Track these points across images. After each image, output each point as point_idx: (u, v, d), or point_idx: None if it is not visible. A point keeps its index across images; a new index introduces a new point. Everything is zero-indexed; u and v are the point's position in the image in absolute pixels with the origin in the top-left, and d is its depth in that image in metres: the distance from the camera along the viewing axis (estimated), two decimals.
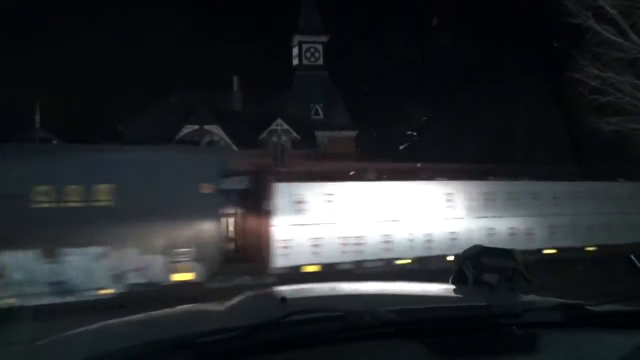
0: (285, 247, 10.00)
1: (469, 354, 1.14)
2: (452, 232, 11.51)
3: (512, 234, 11.96)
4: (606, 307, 1.34)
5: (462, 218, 11.69)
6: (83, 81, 26.50)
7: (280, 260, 9.90)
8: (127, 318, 1.51)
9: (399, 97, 27.49)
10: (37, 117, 20.76)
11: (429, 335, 1.15)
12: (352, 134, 29.22)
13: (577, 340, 1.23)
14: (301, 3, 31.58)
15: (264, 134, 27.22)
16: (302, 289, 1.87)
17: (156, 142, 23.74)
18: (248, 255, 10.71)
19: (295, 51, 31.77)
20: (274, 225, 9.97)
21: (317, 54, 31.41)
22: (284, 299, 1.38)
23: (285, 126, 27.36)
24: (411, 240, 11.16)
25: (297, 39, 31.44)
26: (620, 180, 13.76)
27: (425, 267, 10.76)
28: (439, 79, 25.13)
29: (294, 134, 27.45)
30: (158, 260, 8.91)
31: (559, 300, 1.48)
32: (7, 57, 22.38)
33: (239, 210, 11.20)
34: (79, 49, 29.10)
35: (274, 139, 27.34)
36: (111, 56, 28.39)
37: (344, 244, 10.51)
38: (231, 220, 11.23)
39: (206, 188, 9.34)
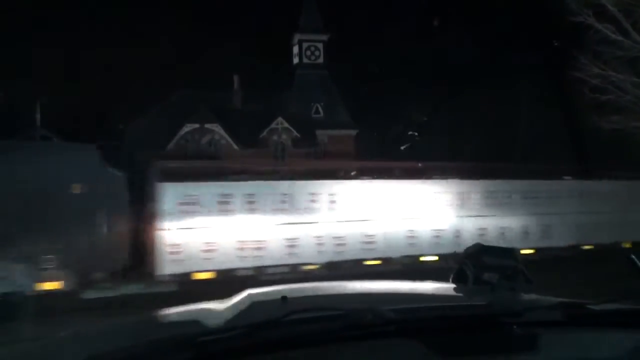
0: (173, 253, 9.12)
1: (469, 353, 1.14)
2: (368, 235, 10.56)
3: (436, 236, 11.10)
4: (607, 306, 1.34)
5: (379, 220, 10.69)
6: (84, 80, 26.50)
7: (168, 267, 9.04)
8: (128, 317, 1.52)
9: (399, 96, 27.48)
10: (38, 116, 20.77)
11: (430, 334, 1.15)
12: (352, 132, 29.24)
13: (577, 339, 1.23)
14: (302, 2, 31.59)
15: (265, 133, 27.23)
16: (303, 287, 1.87)
17: (156, 140, 23.81)
18: (135, 263, 9.75)
19: (295, 50, 31.76)
20: (161, 229, 9.11)
21: (317, 53, 31.41)
22: (284, 298, 1.38)
23: (286, 125, 27.37)
24: (320, 244, 10.18)
25: (297, 37, 31.43)
26: (567, 179, 13.25)
27: (336, 272, 9.88)
28: (439, 78, 25.12)
29: (295, 133, 27.45)
30: (19, 268, 7.91)
31: (559, 299, 1.48)
32: (8, 56, 22.39)
33: (126, 213, 10.23)
34: (80, 48, 29.09)
35: (275, 137, 27.35)
36: (112, 55, 28.38)
37: (242, 249, 9.62)
38: (117, 224, 10.07)
39: (78, 188, 8.50)
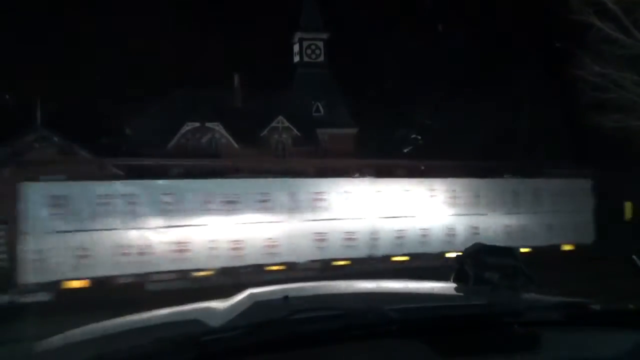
0: (39, 260, 8.27)
1: (470, 353, 1.15)
2: (269, 239, 9.69)
3: (349, 238, 10.23)
4: (607, 306, 1.35)
5: (282, 222, 9.84)
6: (84, 79, 26.51)
7: (32, 275, 8.21)
8: (132, 316, 1.52)
9: (400, 95, 27.46)
10: (38, 115, 20.78)
11: (431, 333, 1.15)
12: (352, 131, 29.23)
13: (578, 339, 1.24)
14: (302, 0, 31.56)
15: (265, 132, 27.25)
16: (304, 287, 1.88)
17: (157, 139, 23.81)
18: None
19: (296, 48, 31.76)
20: (24, 234, 8.29)
21: (317, 51, 31.40)
22: (286, 298, 1.39)
23: (286, 123, 27.39)
24: (213, 248, 9.32)
25: (298, 35, 31.43)
26: (507, 177, 12.37)
27: (234, 279, 9.07)
28: (439, 77, 25.10)
29: (295, 132, 27.46)
30: None
31: (560, 298, 1.49)
32: (8, 55, 22.39)
33: None
34: (80, 47, 29.08)
35: (275, 136, 27.35)
36: (112, 54, 28.37)
37: (123, 254, 8.76)
38: None
39: None
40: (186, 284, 8.91)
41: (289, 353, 1.08)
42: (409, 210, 10.81)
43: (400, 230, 10.63)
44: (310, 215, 10.07)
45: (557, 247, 11.77)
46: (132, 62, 26.32)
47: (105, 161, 13.66)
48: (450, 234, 11.02)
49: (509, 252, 1.92)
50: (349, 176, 11.12)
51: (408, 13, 28.19)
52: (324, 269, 9.91)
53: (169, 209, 9.16)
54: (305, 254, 10.02)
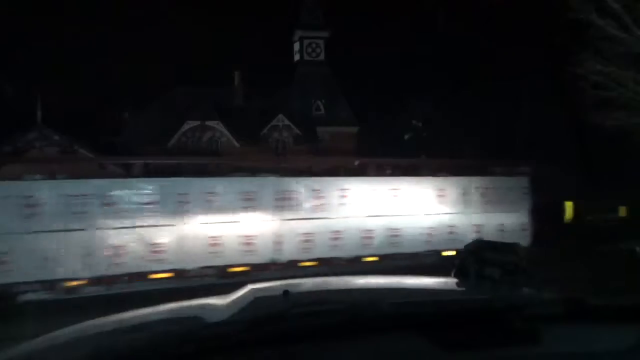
0: None
1: (471, 347, 1.15)
2: (154, 244, 8.73)
3: (248, 242, 9.34)
4: (607, 301, 1.35)
5: (170, 225, 8.91)
6: (85, 77, 26.52)
7: None
8: (132, 312, 1.52)
9: (401, 93, 27.46)
10: (39, 113, 20.80)
11: (432, 328, 1.16)
12: (353, 129, 29.23)
13: (578, 334, 1.24)
14: None
15: (266, 130, 27.26)
16: (304, 282, 1.88)
17: (157, 137, 23.82)
18: None
19: (296, 46, 31.74)
20: None
21: (318, 50, 31.38)
22: (286, 292, 1.39)
23: (287, 122, 27.41)
24: (87, 255, 8.36)
25: (298, 34, 31.40)
26: (442, 175, 11.48)
27: (108, 290, 8.26)
28: (440, 75, 25.10)
29: (296, 130, 27.47)
30: None
31: (560, 294, 1.49)
32: (8, 54, 22.40)
33: None
34: (81, 45, 29.11)
35: (276, 134, 27.37)
36: (112, 52, 28.40)
37: None
38: None
39: None
40: (56, 295, 8.11)
41: (289, 347, 1.08)
42: (319, 212, 9.92)
43: (309, 234, 9.75)
44: (203, 218, 9.17)
45: None
46: (132, 60, 26.34)
47: (105, 160, 13.59)
48: (367, 236, 10.03)
49: (510, 248, 1.92)
50: (249, 175, 10.20)
51: (408, 11, 28.16)
52: (219, 275, 9.07)
53: (31, 213, 8.12)
54: (197, 259, 9.12)
